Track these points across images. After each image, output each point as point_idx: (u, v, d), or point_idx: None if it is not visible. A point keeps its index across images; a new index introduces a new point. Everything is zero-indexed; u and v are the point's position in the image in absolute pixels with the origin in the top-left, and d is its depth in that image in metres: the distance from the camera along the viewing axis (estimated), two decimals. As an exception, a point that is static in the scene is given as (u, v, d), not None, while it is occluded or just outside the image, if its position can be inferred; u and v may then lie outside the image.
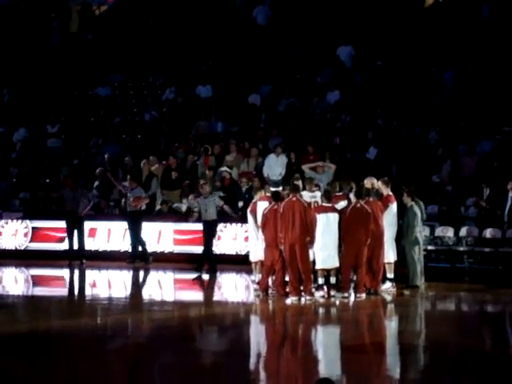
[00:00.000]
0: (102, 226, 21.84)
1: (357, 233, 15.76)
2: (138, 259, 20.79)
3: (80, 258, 20.81)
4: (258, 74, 26.25)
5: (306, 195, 16.39)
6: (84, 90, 27.70)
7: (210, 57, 27.49)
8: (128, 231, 20.99)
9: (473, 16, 25.43)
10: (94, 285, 19.56)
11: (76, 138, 25.48)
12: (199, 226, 19.99)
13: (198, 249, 19.98)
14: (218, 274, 19.21)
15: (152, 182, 22.16)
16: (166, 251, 21.29)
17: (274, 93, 25.59)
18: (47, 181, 23.60)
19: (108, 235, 21.75)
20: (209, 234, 19.28)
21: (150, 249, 20.97)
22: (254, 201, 16.94)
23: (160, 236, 21.36)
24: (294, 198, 15.76)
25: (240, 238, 20.51)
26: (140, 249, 20.82)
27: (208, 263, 19.19)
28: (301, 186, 16.57)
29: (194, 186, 21.80)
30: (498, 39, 24.39)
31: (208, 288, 18.54)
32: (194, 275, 18.82)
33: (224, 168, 22.13)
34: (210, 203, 19.16)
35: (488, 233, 19.23)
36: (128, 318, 14.93)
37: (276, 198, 16.11)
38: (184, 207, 21.87)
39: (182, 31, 29.03)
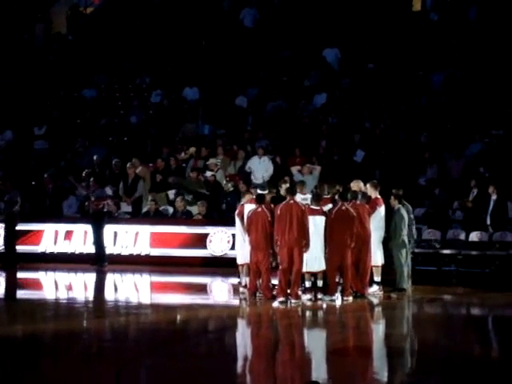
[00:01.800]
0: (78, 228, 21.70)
1: (341, 235, 15.71)
2: (100, 261, 20.66)
3: (13, 262, 20.65)
4: (245, 77, 26.20)
5: (298, 198, 16.35)
6: (70, 91, 27.58)
7: (197, 59, 27.43)
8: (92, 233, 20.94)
9: (460, 19, 25.46)
10: (72, 288, 19.43)
11: (62, 140, 25.37)
12: (177, 229, 20.28)
13: (175, 252, 20.21)
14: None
15: (138, 184, 22.08)
16: (142, 253, 21.24)
17: (261, 95, 25.56)
18: (33, 183, 23.42)
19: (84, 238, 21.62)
20: None
21: (125, 251, 21.10)
22: (241, 203, 16.89)
23: (137, 238, 21.31)
24: (292, 201, 15.70)
25: (226, 240, 20.45)
26: (96, 251, 20.74)
27: None
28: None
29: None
30: (486, 42, 24.43)
31: (195, 291, 18.47)
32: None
33: (209, 173, 22.11)
34: None
35: (475, 236, 19.25)
36: (112, 322, 14.84)
37: (260, 200, 16.06)
38: (171, 210, 21.82)
39: (168, 33, 28.98)
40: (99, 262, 20.66)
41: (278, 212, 15.61)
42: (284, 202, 15.76)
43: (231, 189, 21.06)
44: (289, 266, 15.58)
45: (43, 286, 19.92)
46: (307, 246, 15.57)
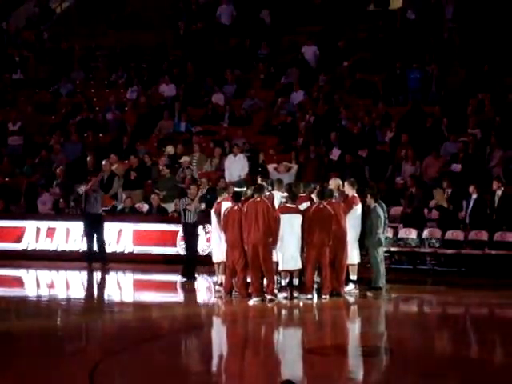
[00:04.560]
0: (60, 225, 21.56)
1: (319, 234, 15.66)
2: (96, 260, 20.43)
3: None
4: (222, 74, 26.11)
5: (277, 195, 16.30)
6: (45, 87, 27.37)
7: (173, 55, 27.31)
8: (91, 232, 20.58)
9: (437, 17, 25.52)
10: (51, 286, 19.27)
11: (37, 136, 25.16)
12: (160, 227, 20.21)
13: (159, 249, 20.25)
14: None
15: (114, 181, 21.91)
16: (125, 251, 21.08)
17: (237, 92, 25.48)
18: (6, 179, 23.23)
19: (66, 235, 21.45)
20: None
21: (109, 249, 20.78)
22: (218, 201, 16.82)
23: (120, 236, 21.13)
24: (259, 199, 15.66)
25: (202, 238, 20.34)
26: (98, 249, 20.44)
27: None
28: (265, 186, 16.43)
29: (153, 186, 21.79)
30: (462, 40, 24.49)
31: (170, 289, 18.39)
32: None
33: (185, 164, 21.97)
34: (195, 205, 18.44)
35: (450, 235, 19.26)
36: (87, 320, 14.72)
37: (236, 198, 16.00)
38: (146, 207, 21.68)
39: (146, 29, 28.82)
40: (104, 259, 20.28)
41: (245, 209, 15.59)
42: (251, 200, 15.72)
43: (204, 192, 20.68)
44: (256, 264, 15.50)
45: (21, 284, 19.71)
46: (274, 243, 15.52)
